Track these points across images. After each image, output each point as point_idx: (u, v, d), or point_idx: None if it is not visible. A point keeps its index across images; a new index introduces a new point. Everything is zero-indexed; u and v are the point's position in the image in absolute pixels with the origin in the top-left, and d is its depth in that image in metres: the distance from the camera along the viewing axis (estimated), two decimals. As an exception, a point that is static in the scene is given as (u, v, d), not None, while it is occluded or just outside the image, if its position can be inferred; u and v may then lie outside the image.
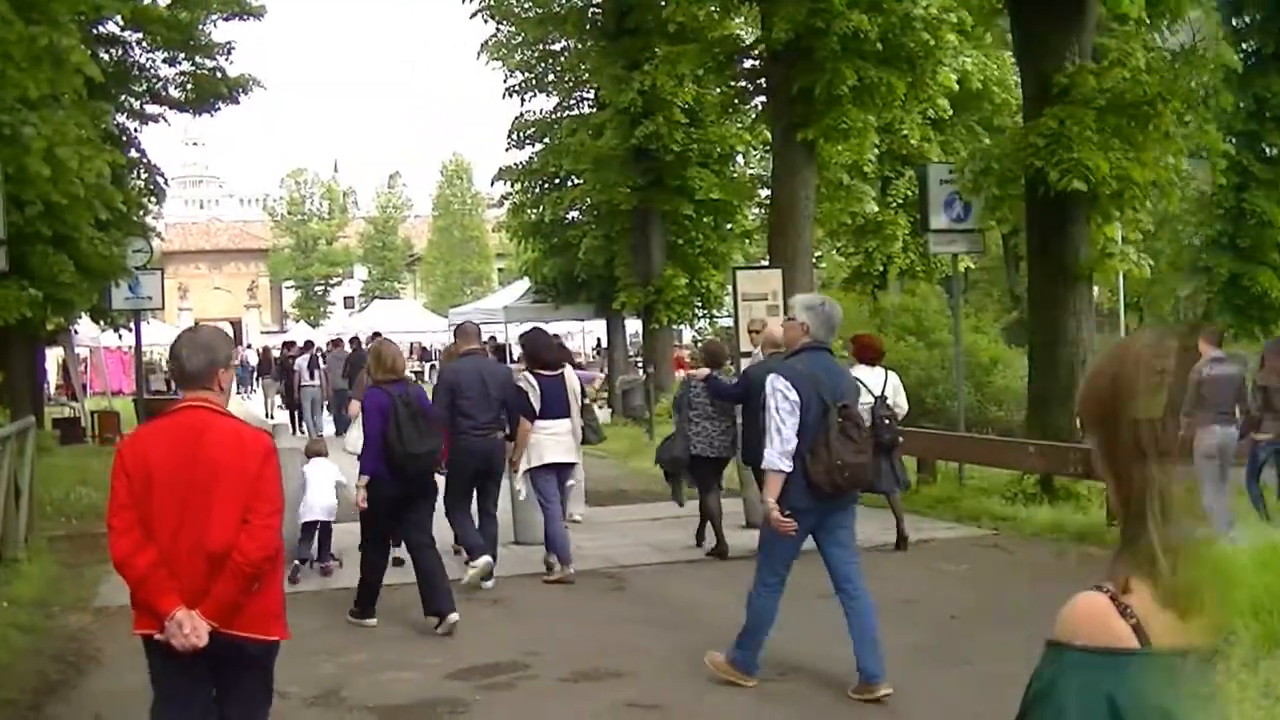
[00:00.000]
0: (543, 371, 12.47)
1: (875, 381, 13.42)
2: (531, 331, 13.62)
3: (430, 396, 11.55)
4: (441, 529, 11.28)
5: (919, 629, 9.86)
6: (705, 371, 13.64)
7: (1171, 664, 2.31)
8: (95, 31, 24.53)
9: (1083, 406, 2.59)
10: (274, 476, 5.36)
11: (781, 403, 7.89)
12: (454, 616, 10.22)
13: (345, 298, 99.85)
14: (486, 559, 11.56)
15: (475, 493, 12.20)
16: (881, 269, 29.86)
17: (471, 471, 11.93)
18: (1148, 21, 17.49)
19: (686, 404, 13.67)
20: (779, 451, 7.85)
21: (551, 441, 12.32)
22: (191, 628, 5.06)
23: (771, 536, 8.09)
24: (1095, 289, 20.75)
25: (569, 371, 13.12)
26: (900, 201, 29.73)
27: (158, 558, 5.12)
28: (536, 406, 12.17)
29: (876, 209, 27.67)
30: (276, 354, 37.92)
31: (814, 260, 24.16)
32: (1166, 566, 2.35)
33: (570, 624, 10.74)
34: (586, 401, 15.57)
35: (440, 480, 11.38)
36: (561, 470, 12.52)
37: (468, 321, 13.99)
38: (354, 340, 29.69)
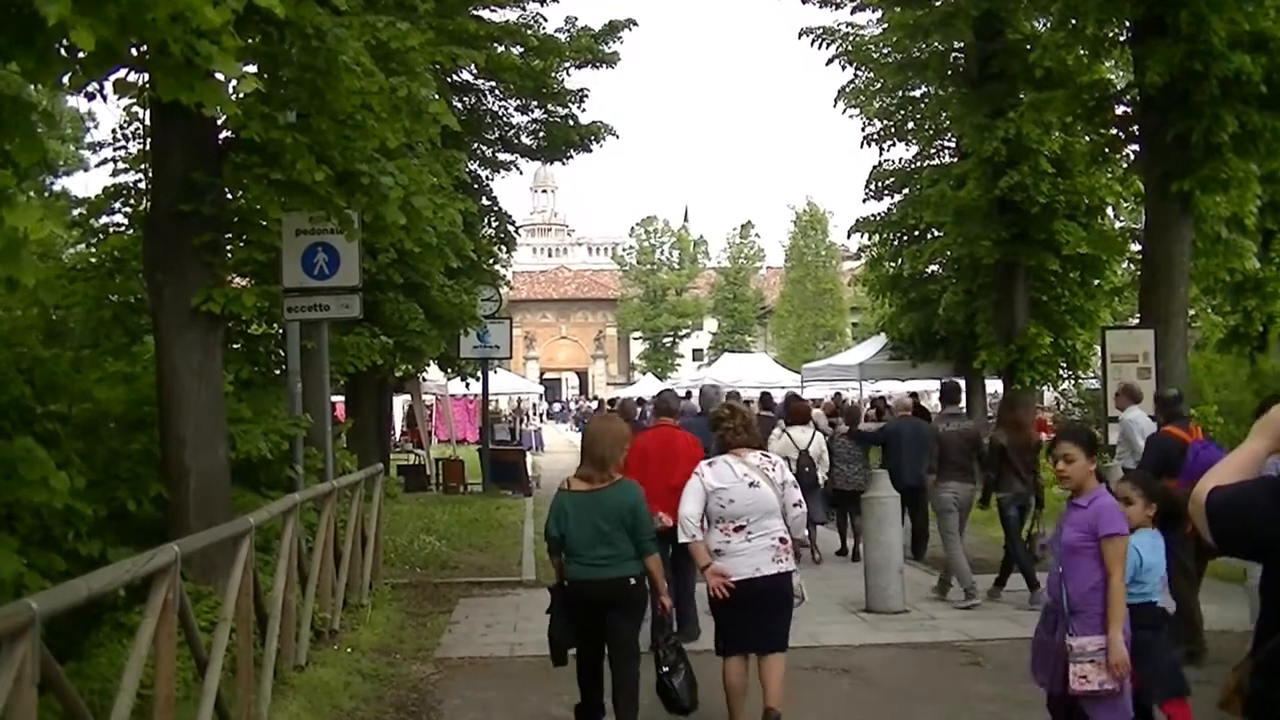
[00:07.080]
0: None
1: (803, 438, 18.52)
2: None
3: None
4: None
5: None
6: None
7: (571, 495, 9.08)
8: (450, 80, 25.75)
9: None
10: (697, 453, 11.67)
11: None
12: None
13: (694, 350, 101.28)
14: None
15: None
16: (1261, 329, 28.59)
17: None
18: None
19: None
20: None
21: None
22: (665, 521, 10.80)
23: None
24: None
25: None
26: (1284, 257, 28.45)
27: (648, 490, 9.90)
28: None
29: (1258, 265, 26.57)
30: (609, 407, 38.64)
31: (1188, 319, 23.33)
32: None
33: (925, 703, 10.85)
34: None
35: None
36: None
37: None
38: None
